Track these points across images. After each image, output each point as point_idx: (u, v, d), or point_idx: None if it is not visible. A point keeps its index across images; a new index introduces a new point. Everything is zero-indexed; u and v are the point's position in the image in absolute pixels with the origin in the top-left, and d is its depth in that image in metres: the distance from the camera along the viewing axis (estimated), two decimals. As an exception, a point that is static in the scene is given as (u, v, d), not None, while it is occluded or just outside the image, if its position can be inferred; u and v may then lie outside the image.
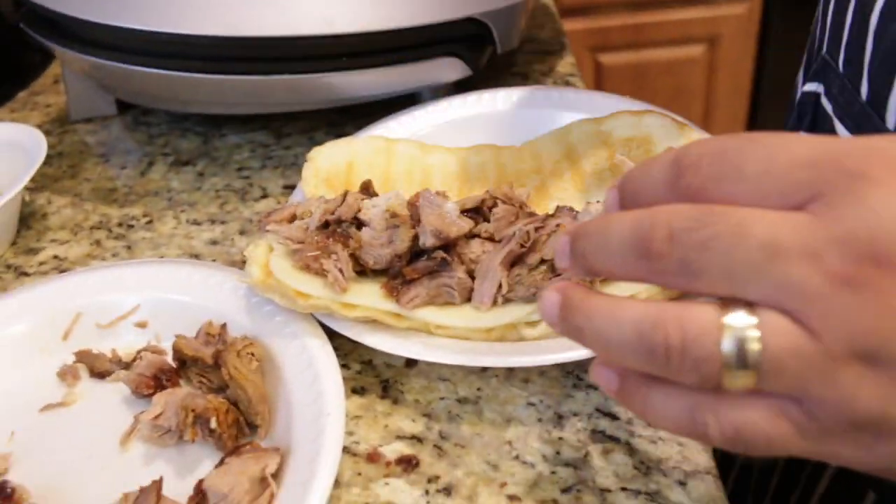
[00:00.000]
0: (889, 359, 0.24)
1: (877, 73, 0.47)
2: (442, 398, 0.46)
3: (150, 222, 0.62)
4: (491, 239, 0.47)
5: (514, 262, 0.46)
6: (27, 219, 0.64)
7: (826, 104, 0.53)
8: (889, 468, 0.27)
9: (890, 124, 0.46)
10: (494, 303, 0.45)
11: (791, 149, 0.26)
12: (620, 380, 0.30)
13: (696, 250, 0.26)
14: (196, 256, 0.58)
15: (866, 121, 0.48)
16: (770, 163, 0.26)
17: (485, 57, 0.68)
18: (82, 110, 0.77)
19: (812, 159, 0.26)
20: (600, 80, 1.52)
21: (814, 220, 0.25)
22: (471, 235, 0.47)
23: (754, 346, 0.25)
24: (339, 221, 0.47)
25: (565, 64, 0.78)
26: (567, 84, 0.75)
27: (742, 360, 0.25)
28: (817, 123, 0.54)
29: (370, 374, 0.48)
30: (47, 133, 0.76)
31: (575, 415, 0.44)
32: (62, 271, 0.58)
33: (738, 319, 0.26)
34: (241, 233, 0.60)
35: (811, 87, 0.55)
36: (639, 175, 0.30)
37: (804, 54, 0.61)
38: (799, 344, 0.25)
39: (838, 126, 0.51)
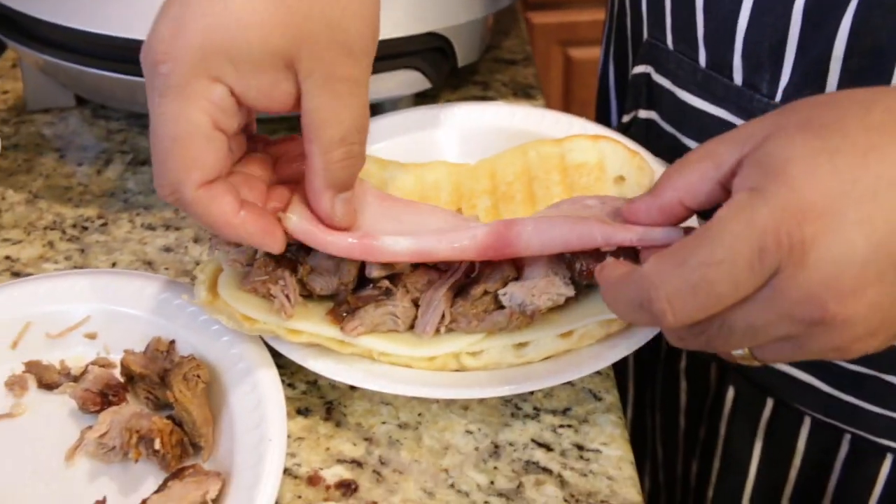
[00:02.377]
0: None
1: (713, 42, 0.54)
2: (383, 422, 0.47)
3: (104, 225, 0.63)
4: (436, 268, 0.48)
5: (458, 292, 0.47)
6: (-20, 215, 0.64)
7: (661, 80, 0.60)
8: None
9: (738, 80, 0.54)
10: (437, 332, 0.47)
11: (740, 245, 0.32)
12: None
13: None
14: (149, 264, 0.59)
15: (711, 82, 0.56)
16: (734, 274, 0.33)
17: (445, 70, 0.69)
18: (40, 100, 0.76)
19: (761, 248, 0.32)
20: (569, 75, 1.53)
21: (778, 295, 0.33)
22: (416, 264, 0.48)
23: None
24: (289, 245, 0.48)
25: (527, 75, 0.79)
26: (527, 96, 0.76)
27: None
28: (653, 97, 0.62)
29: (315, 394, 0.49)
30: (3, 122, 0.75)
31: (511, 445, 0.45)
32: (14, 273, 0.58)
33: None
34: (195, 240, 0.61)
35: (640, 68, 0.62)
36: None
37: (607, 46, 0.72)
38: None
39: (681, 93, 0.59)
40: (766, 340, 0.35)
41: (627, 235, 0.45)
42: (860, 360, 0.54)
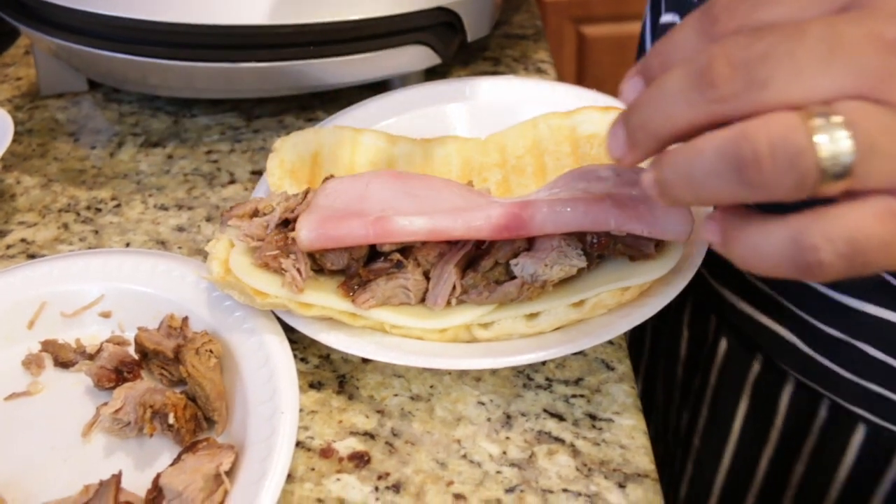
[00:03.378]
0: None
1: None
2: (395, 395, 0.47)
3: (118, 206, 0.63)
4: (448, 241, 0.48)
5: (469, 264, 0.47)
6: (-4, 199, 0.65)
7: None
8: None
9: None
10: (448, 304, 0.46)
11: None
12: (722, 230, 0.30)
13: (759, 61, 0.26)
14: (162, 243, 0.59)
15: None
16: None
17: (454, 45, 0.68)
18: (52, 86, 0.77)
19: None
20: (583, 53, 1.52)
21: (862, 11, 0.26)
22: (428, 236, 0.48)
23: (843, 132, 0.25)
24: (299, 220, 0.48)
25: (538, 50, 0.78)
26: (539, 71, 0.75)
27: (834, 149, 0.25)
28: None
29: (327, 368, 0.49)
30: (17, 108, 0.76)
31: (523, 415, 0.45)
32: (30, 255, 0.59)
33: (820, 112, 0.25)
34: (208, 219, 0.61)
35: (667, 17, 0.61)
36: (666, 44, 0.30)
37: None
38: (885, 122, 0.25)
39: None
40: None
41: (639, 226, 0.45)
42: (835, 324, 0.53)
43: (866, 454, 0.56)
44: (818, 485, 0.59)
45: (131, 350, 0.49)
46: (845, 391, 0.55)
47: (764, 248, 0.28)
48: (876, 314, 0.51)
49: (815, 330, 0.55)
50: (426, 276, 0.47)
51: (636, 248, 0.47)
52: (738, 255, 0.29)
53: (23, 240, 0.60)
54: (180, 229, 0.60)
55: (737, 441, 0.63)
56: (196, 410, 0.45)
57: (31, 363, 0.50)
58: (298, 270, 0.46)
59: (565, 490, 0.41)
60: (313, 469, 0.43)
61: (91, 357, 0.49)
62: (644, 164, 0.34)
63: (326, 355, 0.50)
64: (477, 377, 0.47)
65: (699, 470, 0.67)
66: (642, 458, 0.43)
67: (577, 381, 0.47)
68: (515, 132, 0.60)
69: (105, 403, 0.46)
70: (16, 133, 0.72)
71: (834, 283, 0.52)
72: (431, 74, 0.71)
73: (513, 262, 0.47)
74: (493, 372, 0.48)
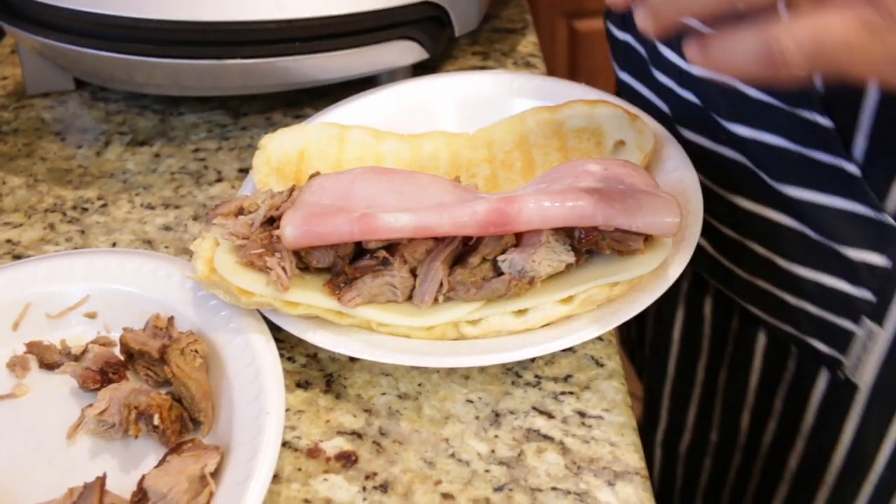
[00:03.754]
0: None
1: None
2: (383, 393, 0.47)
3: (104, 206, 0.62)
4: (434, 237, 0.48)
5: (457, 260, 0.47)
6: (-19, 200, 0.64)
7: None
8: None
9: None
10: (436, 301, 0.46)
11: None
12: (699, 42, 0.33)
13: None
14: (149, 243, 0.59)
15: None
16: None
17: (442, 40, 0.68)
18: (39, 85, 0.76)
19: None
20: (575, 48, 1.51)
21: None
22: (414, 233, 0.48)
23: None
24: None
25: (527, 44, 0.78)
26: (528, 65, 0.75)
27: None
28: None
29: (315, 367, 0.49)
30: (3, 107, 0.75)
31: (511, 413, 0.45)
32: (15, 256, 0.58)
33: None
34: (195, 218, 0.60)
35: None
36: None
37: None
38: None
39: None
40: None
41: (627, 221, 0.45)
42: (731, 224, 0.57)
43: (769, 359, 0.59)
44: (736, 392, 0.62)
45: (117, 351, 0.49)
46: (744, 291, 0.58)
47: (736, 50, 0.32)
48: (759, 212, 0.55)
49: (718, 232, 0.58)
50: (413, 273, 0.47)
51: (624, 244, 0.47)
52: (714, 58, 0.33)
53: (8, 241, 0.60)
54: (167, 228, 0.60)
55: (677, 350, 0.67)
56: (181, 411, 0.44)
57: (16, 365, 0.49)
58: (283, 269, 0.46)
59: (554, 488, 0.41)
60: (300, 469, 0.43)
61: (76, 358, 0.49)
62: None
63: (314, 354, 0.49)
64: (465, 375, 0.47)
65: (649, 379, 0.71)
66: (632, 456, 0.42)
67: (567, 378, 0.47)
68: (503, 127, 0.60)
69: (90, 405, 0.45)
70: (1, 133, 0.71)
71: (732, 187, 0.56)
72: (419, 69, 0.70)
73: (500, 258, 0.46)
74: (482, 369, 0.47)
